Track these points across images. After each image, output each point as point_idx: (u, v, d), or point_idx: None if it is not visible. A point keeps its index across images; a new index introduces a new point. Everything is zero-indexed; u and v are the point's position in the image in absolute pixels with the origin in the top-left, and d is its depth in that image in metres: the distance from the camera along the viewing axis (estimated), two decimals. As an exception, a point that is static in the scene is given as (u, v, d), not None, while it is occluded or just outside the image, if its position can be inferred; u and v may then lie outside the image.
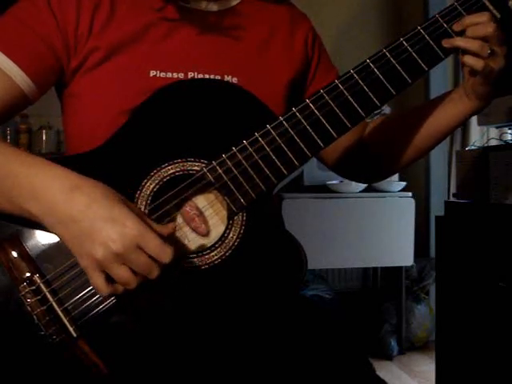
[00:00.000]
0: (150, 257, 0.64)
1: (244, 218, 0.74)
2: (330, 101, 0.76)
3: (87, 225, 0.64)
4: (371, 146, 0.96)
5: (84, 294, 0.69)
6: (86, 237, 0.64)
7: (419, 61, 0.78)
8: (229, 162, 0.73)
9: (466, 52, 0.78)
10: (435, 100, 0.89)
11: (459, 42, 0.78)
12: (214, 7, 0.86)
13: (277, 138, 0.74)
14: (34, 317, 0.68)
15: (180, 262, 0.72)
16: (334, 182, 2.37)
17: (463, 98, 0.84)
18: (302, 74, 0.93)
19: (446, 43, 0.78)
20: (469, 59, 0.78)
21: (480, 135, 2.44)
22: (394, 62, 0.77)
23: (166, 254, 0.64)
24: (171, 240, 0.67)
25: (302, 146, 0.75)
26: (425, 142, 0.90)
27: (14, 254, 0.69)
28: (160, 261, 0.64)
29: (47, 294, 0.69)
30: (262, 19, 0.90)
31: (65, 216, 0.65)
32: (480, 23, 0.77)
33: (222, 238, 0.74)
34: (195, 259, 0.73)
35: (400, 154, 0.92)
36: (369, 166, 0.99)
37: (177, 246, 0.67)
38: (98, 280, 0.64)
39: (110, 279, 0.65)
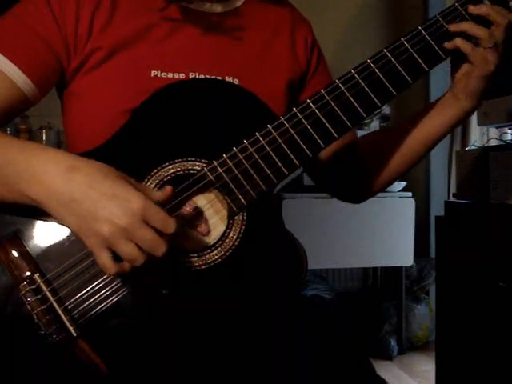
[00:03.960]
0: (156, 232, 0.64)
1: (244, 218, 0.74)
2: (330, 101, 0.76)
3: (91, 204, 0.64)
4: (362, 158, 0.95)
5: (84, 294, 0.69)
6: (91, 216, 0.64)
7: (420, 61, 0.78)
8: (229, 162, 0.73)
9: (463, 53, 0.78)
10: (424, 109, 0.88)
11: (466, 25, 0.78)
12: (218, 8, 0.86)
13: (277, 137, 0.74)
14: (34, 316, 0.68)
15: (180, 261, 0.72)
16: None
17: (451, 102, 0.84)
18: (302, 75, 0.93)
19: (452, 27, 0.78)
20: (465, 45, 0.78)
21: (480, 135, 2.44)
22: (394, 62, 0.77)
23: (169, 224, 0.65)
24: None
25: (303, 145, 0.75)
26: (414, 151, 0.89)
27: (14, 253, 0.69)
28: (165, 232, 0.64)
29: (47, 293, 0.69)
30: (264, 20, 0.90)
31: (66, 198, 0.65)
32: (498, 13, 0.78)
33: (223, 237, 0.74)
34: (195, 259, 0.73)
35: (389, 164, 0.91)
36: (358, 179, 0.97)
37: (177, 245, 0.67)
38: (105, 258, 0.64)
39: (116, 259, 0.65)
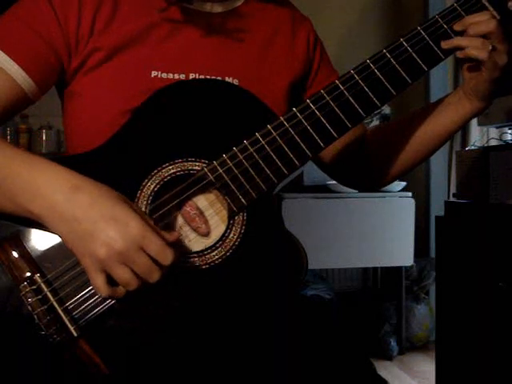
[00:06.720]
0: (152, 259, 0.64)
1: (244, 218, 0.74)
2: (330, 101, 0.76)
3: (90, 225, 0.64)
4: (370, 149, 0.96)
5: (85, 294, 0.69)
6: (89, 237, 0.64)
7: (419, 61, 0.78)
8: (229, 162, 0.73)
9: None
10: (433, 105, 0.88)
11: (460, 41, 0.77)
12: (218, 8, 0.86)
13: (277, 138, 0.74)
14: (35, 316, 0.68)
15: (181, 262, 0.72)
16: (333, 182, 2.36)
17: (463, 101, 0.84)
18: (304, 74, 0.93)
19: (445, 45, 0.78)
20: (473, 51, 0.77)
21: (480, 135, 2.44)
22: (394, 62, 0.78)
23: (166, 255, 0.64)
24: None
25: (303, 146, 0.75)
26: (424, 146, 0.90)
27: (15, 253, 0.69)
28: (160, 262, 0.64)
29: (48, 293, 0.69)
30: (264, 20, 0.90)
31: (67, 216, 0.65)
32: (481, 21, 0.77)
33: (223, 237, 0.74)
34: (196, 259, 0.73)
35: (399, 157, 0.91)
36: (367, 169, 0.97)
37: (177, 246, 0.67)
38: (99, 280, 0.64)
39: (110, 282, 0.65)
